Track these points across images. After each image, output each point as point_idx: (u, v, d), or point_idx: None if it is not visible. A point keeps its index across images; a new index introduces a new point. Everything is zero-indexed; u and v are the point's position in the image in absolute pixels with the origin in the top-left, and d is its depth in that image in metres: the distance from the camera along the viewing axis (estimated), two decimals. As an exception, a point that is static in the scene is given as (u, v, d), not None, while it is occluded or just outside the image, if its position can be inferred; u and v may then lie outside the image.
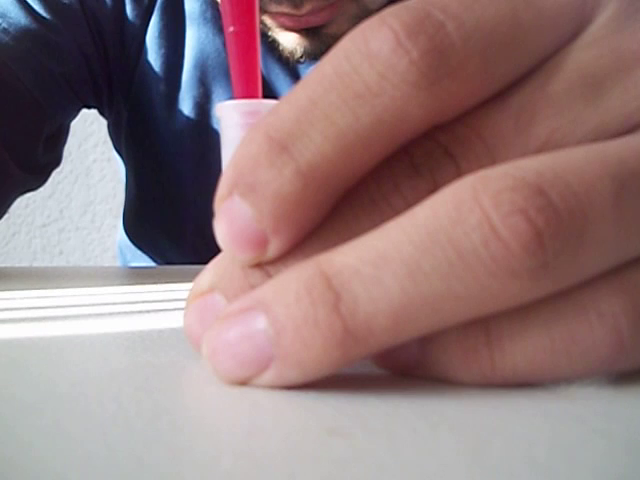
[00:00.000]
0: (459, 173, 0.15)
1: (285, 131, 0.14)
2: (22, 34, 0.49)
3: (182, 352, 0.18)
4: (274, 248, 0.15)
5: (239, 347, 0.14)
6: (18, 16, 0.50)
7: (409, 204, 0.14)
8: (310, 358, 0.13)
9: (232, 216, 0.15)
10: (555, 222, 0.13)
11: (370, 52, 0.14)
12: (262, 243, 0.15)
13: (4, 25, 0.49)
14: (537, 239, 0.13)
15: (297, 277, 0.14)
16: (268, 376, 0.14)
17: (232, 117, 0.29)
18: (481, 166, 0.14)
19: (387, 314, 0.13)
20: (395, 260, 0.13)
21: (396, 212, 0.14)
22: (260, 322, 0.14)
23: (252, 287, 0.15)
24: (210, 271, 0.16)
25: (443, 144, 0.15)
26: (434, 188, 0.14)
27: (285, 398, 0.14)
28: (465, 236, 0.13)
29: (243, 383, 0.14)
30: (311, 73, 0.15)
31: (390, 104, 0.14)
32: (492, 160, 0.15)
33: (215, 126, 0.56)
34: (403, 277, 0.13)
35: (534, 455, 0.11)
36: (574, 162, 0.14)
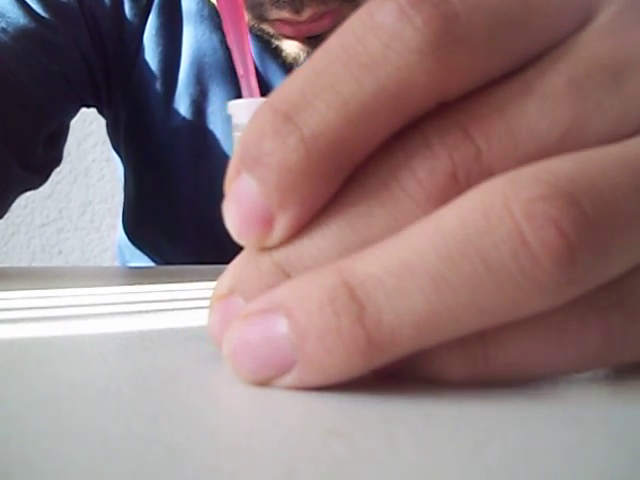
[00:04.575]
0: (479, 155, 0.14)
1: (290, 102, 0.14)
2: (21, 33, 0.49)
3: (182, 352, 0.18)
4: (280, 227, 0.14)
5: (261, 349, 0.14)
6: (17, 16, 0.50)
7: (426, 189, 0.14)
8: (333, 365, 0.13)
9: (240, 196, 0.15)
10: (588, 235, 0.13)
11: (374, 23, 0.14)
12: (268, 221, 0.14)
13: (2, 25, 0.49)
14: (569, 254, 0.12)
15: (319, 285, 0.14)
16: (290, 378, 0.14)
17: (243, 115, 0.30)
18: (503, 150, 0.14)
19: (411, 325, 0.13)
20: (420, 271, 0.13)
21: (412, 199, 0.14)
22: (282, 326, 0.14)
23: (270, 287, 0.15)
24: (229, 273, 0.16)
25: (462, 125, 0.14)
26: (453, 171, 0.14)
27: (285, 398, 0.14)
28: (494, 247, 0.13)
29: (264, 384, 0.14)
30: (318, 49, 0.15)
31: (394, 72, 0.14)
32: (515, 144, 0.14)
33: (211, 125, 0.56)
34: (428, 289, 0.13)
35: (534, 455, 0.11)
36: (606, 167, 0.13)
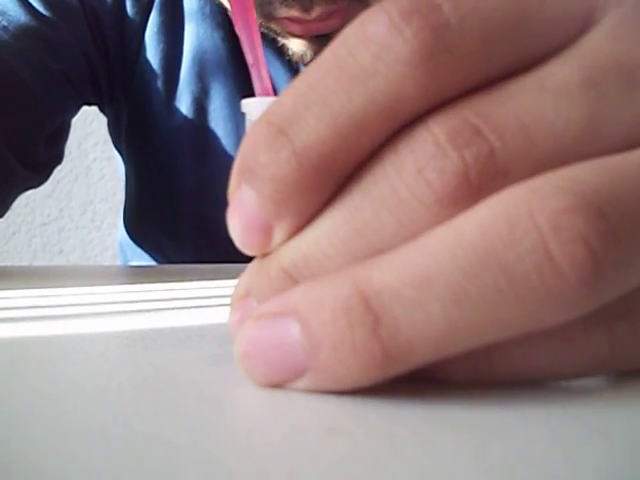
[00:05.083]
0: (493, 154, 0.13)
1: (283, 115, 0.14)
2: (22, 32, 0.49)
3: (182, 351, 0.18)
4: (279, 235, 0.15)
5: (274, 354, 0.14)
6: (18, 14, 0.50)
7: (436, 191, 0.13)
8: (347, 376, 0.13)
9: (241, 206, 0.15)
10: (615, 250, 0.12)
11: (366, 35, 0.14)
12: (268, 231, 0.15)
13: (4, 23, 0.49)
14: (595, 269, 0.12)
15: (333, 294, 0.13)
16: (302, 383, 0.14)
17: (258, 113, 0.30)
18: (519, 148, 0.13)
19: (429, 338, 0.13)
20: (439, 283, 0.13)
21: (420, 201, 0.13)
22: (294, 332, 0.14)
23: (279, 292, 0.15)
24: (245, 275, 0.16)
25: (472, 122, 0.14)
26: (464, 170, 0.13)
27: (285, 398, 0.14)
28: (517, 260, 0.12)
29: (276, 387, 0.14)
30: (313, 62, 0.15)
31: (383, 84, 0.14)
32: (531, 143, 0.14)
33: (213, 123, 0.56)
34: (448, 302, 0.13)
35: (534, 455, 0.11)
36: (630, 176, 0.13)
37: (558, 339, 0.14)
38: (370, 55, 0.14)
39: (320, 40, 0.47)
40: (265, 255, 0.16)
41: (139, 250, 0.64)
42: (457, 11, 0.14)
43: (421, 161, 0.14)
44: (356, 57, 0.14)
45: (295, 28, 0.46)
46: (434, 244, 0.13)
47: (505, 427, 0.12)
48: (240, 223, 0.15)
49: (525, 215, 0.12)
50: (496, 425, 0.12)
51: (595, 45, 0.15)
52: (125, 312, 0.26)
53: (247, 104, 0.31)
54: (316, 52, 0.48)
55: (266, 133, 0.14)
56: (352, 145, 0.14)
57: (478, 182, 0.13)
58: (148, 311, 0.27)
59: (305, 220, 0.15)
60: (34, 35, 0.50)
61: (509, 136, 0.13)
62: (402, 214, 0.14)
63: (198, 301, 0.30)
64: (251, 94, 0.35)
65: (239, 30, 0.35)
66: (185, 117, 0.56)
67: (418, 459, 0.11)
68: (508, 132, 0.14)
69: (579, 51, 0.15)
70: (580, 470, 0.10)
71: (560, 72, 0.14)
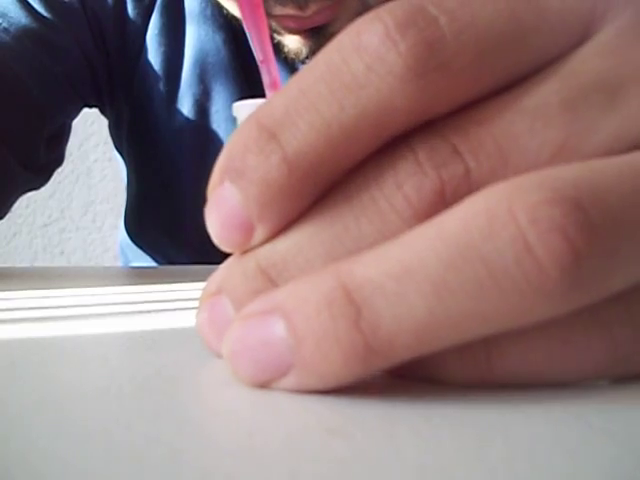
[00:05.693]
0: (468, 174, 0.14)
1: (275, 119, 0.14)
2: (22, 34, 0.50)
3: (182, 352, 0.18)
4: (259, 235, 0.15)
5: (259, 352, 0.14)
6: (19, 16, 0.50)
7: (413, 205, 0.14)
8: (330, 371, 0.13)
9: (222, 203, 0.15)
10: (593, 241, 0.12)
11: (360, 45, 0.14)
12: (248, 230, 0.15)
13: (4, 25, 0.49)
14: (574, 259, 0.12)
15: (317, 288, 0.14)
16: (287, 381, 0.14)
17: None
18: (492, 168, 0.14)
19: (410, 332, 0.13)
20: (420, 276, 0.13)
21: (398, 214, 0.14)
22: (279, 329, 0.14)
23: (255, 292, 0.15)
24: (219, 273, 0.16)
25: (451, 142, 0.14)
26: (441, 188, 0.14)
27: (285, 398, 0.14)
28: (497, 253, 0.12)
29: (263, 386, 0.14)
30: (306, 66, 0.15)
31: (375, 96, 0.14)
32: (504, 163, 0.14)
33: (214, 124, 0.56)
34: (429, 294, 0.13)
35: (534, 455, 0.11)
36: (611, 176, 0.13)
37: (558, 343, 0.14)
38: (363, 65, 0.14)
39: (315, 36, 0.47)
40: (243, 254, 0.16)
41: (140, 251, 0.64)
42: (453, 25, 0.14)
43: (401, 177, 0.14)
44: (349, 66, 0.14)
45: (290, 23, 0.46)
46: (416, 239, 0.13)
47: (505, 427, 0.12)
48: (219, 219, 0.15)
49: (504, 209, 0.13)
50: (496, 425, 0.12)
51: (582, 62, 0.15)
52: (126, 313, 0.26)
53: (238, 107, 0.31)
54: (311, 48, 0.48)
55: (257, 136, 0.14)
56: (342, 154, 0.14)
57: (453, 199, 0.14)
58: (149, 312, 0.27)
59: (286, 222, 0.15)
60: (35, 37, 0.50)
61: (484, 156, 0.14)
62: (381, 224, 0.14)
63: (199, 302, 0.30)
64: (253, 96, 0.35)
65: (248, 27, 0.35)
66: (186, 119, 0.56)
67: (419, 459, 0.11)
68: (483, 152, 0.14)
69: (564, 68, 0.15)
70: (581, 470, 0.10)
71: (540, 92, 0.15)
